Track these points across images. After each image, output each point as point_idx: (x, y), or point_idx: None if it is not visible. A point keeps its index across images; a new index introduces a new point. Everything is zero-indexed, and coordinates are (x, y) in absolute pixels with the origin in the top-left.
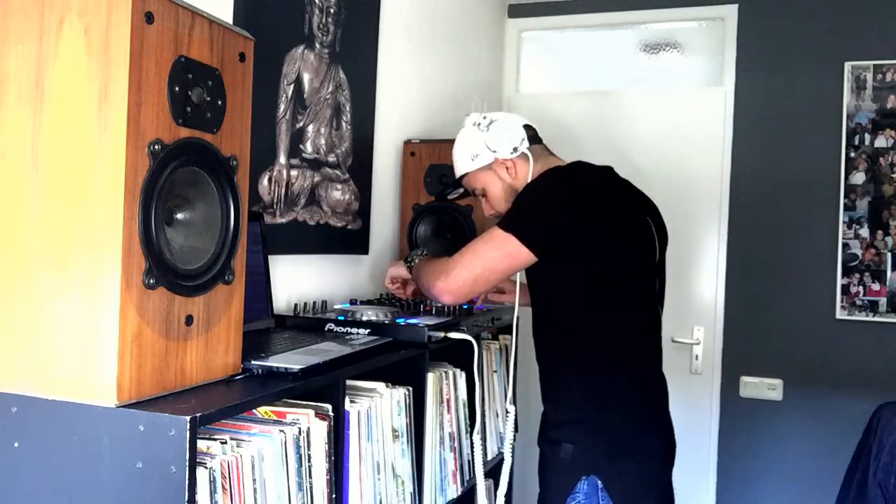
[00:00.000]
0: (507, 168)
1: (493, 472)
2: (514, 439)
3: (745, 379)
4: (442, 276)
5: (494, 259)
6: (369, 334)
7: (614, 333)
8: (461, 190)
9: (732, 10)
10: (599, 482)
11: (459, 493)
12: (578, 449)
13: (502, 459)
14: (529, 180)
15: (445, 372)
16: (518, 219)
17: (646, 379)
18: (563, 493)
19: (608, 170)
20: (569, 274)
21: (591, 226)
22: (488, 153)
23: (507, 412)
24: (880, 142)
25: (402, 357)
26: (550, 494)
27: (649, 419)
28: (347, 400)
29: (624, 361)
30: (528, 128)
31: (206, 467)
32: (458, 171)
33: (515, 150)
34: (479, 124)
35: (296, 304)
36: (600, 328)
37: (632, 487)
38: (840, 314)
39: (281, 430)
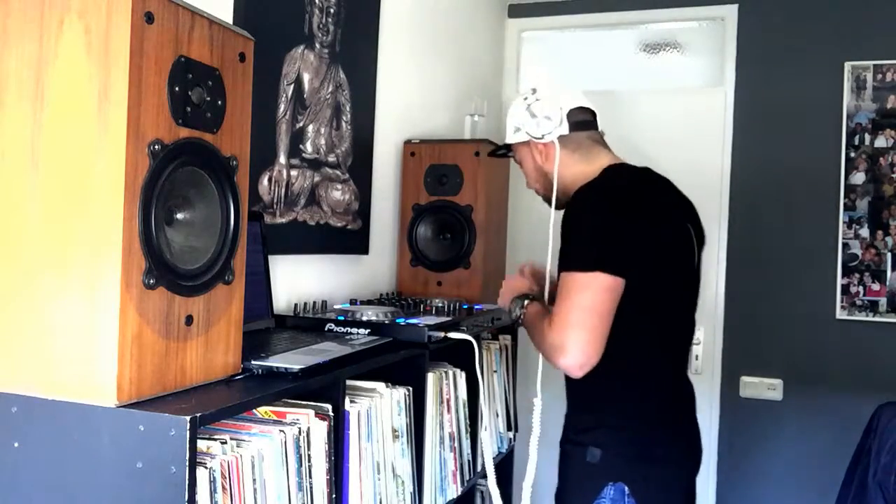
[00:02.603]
0: (538, 151)
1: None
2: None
3: (745, 379)
4: (560, 353)
5: (598, 303)
6: (369, 334)
7: (646, 341)
8: (513, 154)
9: (732, 10)
10: (626, 487)
11: (459, 493)
12: (606, 454)
13: (504, 457)
14: (569, 170)
15: (445, 372)
16: (593, 251)
17: (673, 386)
18: (589, 496)
19: (648, 173)
20: None
21: (642, 238)
22: (523, 132)
23: (535, 405)
24: (880, 142)
25: (402, 357)
26: (573, 497)
27: (676, 426)
28: (347, 400)
29: (654, 368)
30: (579, 111)
31: (206, 467)
32: (506, 139)
33: (548, 134)
34: (525, 98)
35: (296, 304)
36: (633, 335)
37: (657, 493)
38: (840, 314)
39: (281, 430)
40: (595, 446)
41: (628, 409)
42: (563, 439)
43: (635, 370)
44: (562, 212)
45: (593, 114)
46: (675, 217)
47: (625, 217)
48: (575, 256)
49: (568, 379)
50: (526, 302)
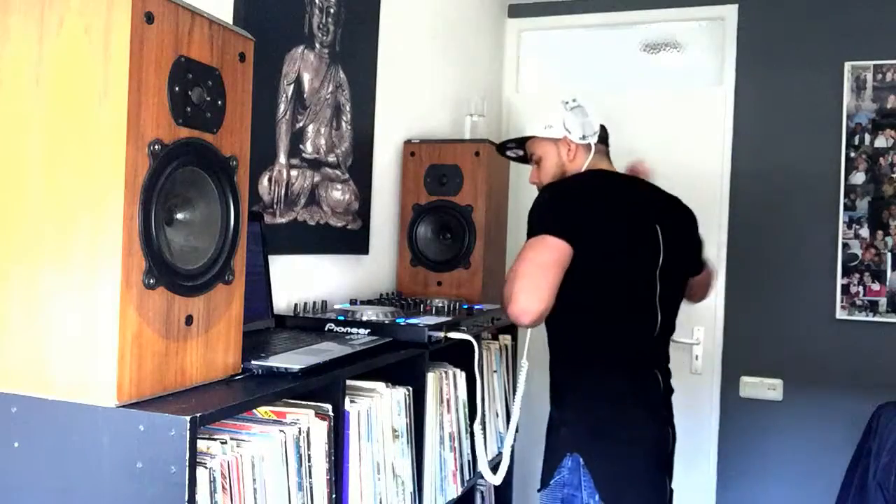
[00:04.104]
0: (568, 150)
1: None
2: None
3: (745, 379)
4: (509, 302)
5: (541, 258)
6: (369, 334)
7: (607, 327)
8: (521, 152)
9: (732, 10)
10: (581, 459)
11: (459, 494)
12: (568, 428)
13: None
14: (583, 171)
15: (445, 372)
16: (541, 220)
17: (636, 372)
18: (553, 465)
19: (623, 178)
20: (571, 267)
21: (592, 221)
22: (561, 129)
23: (521, 366)
24: (880, 142)
25: (402, 357)
26: (544, 466)
27: (637, 410)
28: (347, 400)
29: (613, 353)
30: (602, 127)
31: (206, 467)
32: (527, 132)
33: (584, 138)
34: (566, 102)
35: (296, 304)
36: (593, 321)
37: (609, 469)
38: (840, 314)
39: (281, 430)
40: (561, 421)
41: (589, 389)
42: (547, 423)
43: (595, 353)
44: None
45: (607, 133)
46: (639, 216)
47: (576, 201)
48: (529, 230)
49: (550, 364)
50: None
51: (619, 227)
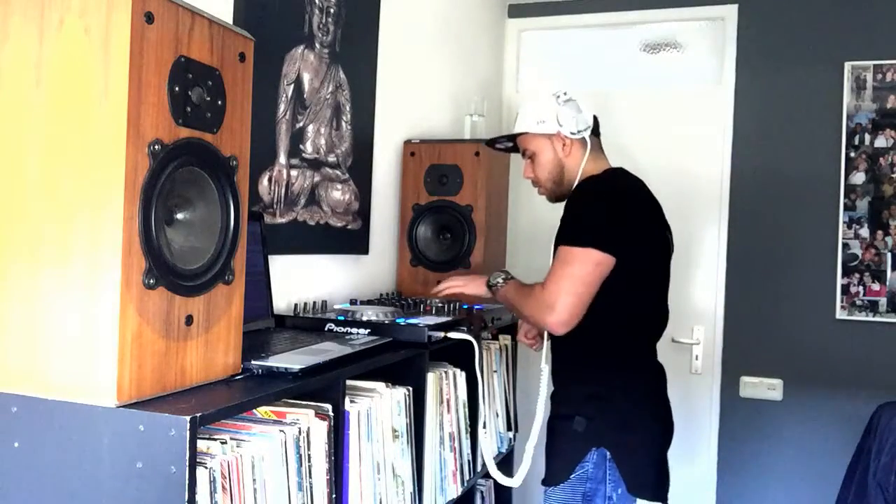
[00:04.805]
0: (563, 145)
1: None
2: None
3: (745, 379)
4: (549, 311)
5: (587, 274)
6: (369, 334)
7: (632, 323)
8: (510, 144)
9: (732, 10)
10: (608, 452)
11: (459, 494)
12: (591, 423)
13: (504, 457)
14: (581, 168)
15: (445, 372)
16: (590, 231)
17: (653, 365)
18: (574, 460)
19: (640, 181)
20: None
21: (635, 230)
22: (555, 124)
23: (542, 371)
24: (880, 142)
25: (402, 357)
26: (560, 462)
27: (655, 400)
28: (347, 400)
29: (637, 347)
30: (594, 118)
31: (206, 467)
32: (519, 128)
33: (579, 132)
34: (557, 96)
35: (296, 304)
36: (621, 317)
37: (635, 460)
38: (840, 314)
39: (281, 430)
40: (582, 416)
41: (614, 383)
42: (551, 416)
43: (621, 348)
44: (561, 205)
45: (598, 124)
46: (660, 221)
47: (623, 207)
48: (574, 233)
49: (559, 359)
50: (506, 276)
51: (652, 232)
